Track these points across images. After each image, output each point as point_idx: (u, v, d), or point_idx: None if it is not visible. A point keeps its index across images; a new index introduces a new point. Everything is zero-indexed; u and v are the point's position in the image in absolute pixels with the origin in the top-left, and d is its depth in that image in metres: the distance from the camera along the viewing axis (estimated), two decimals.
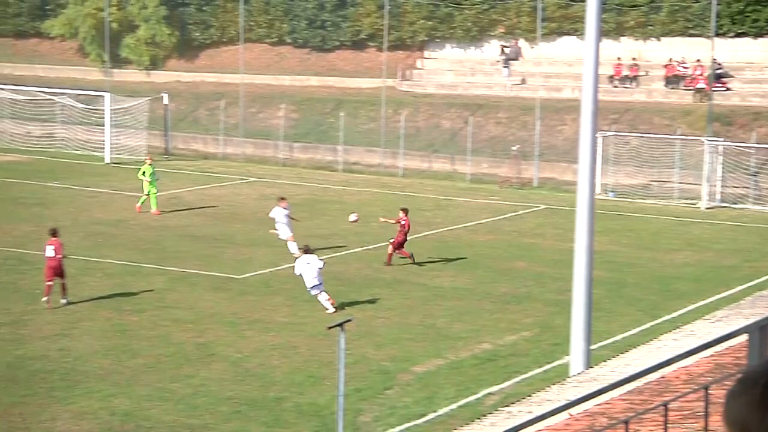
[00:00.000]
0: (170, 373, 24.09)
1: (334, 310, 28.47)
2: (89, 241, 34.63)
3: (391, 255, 34.15)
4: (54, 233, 29.41)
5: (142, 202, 41.46)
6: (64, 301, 28.97)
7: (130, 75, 64.80)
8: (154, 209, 41.10)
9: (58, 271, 28.90)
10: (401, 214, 34.53)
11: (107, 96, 54.94)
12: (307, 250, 29.54)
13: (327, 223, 41.27)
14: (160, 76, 64.31)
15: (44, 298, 28.69)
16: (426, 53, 61.52)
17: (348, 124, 55.28)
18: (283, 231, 35.29)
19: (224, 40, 64.64)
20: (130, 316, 28.32)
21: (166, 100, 57.61)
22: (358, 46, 62.43)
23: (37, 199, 43.92)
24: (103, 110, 54.76)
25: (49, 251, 28.98)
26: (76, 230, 37.97)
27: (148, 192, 41.30)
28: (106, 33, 62.75)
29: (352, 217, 35.74)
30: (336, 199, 46.61)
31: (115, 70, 64.47)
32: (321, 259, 29.31)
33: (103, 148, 54.63)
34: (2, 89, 59.00)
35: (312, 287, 28.77)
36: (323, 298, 28.86)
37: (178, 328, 27.40)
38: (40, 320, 27.61)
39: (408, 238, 34.23)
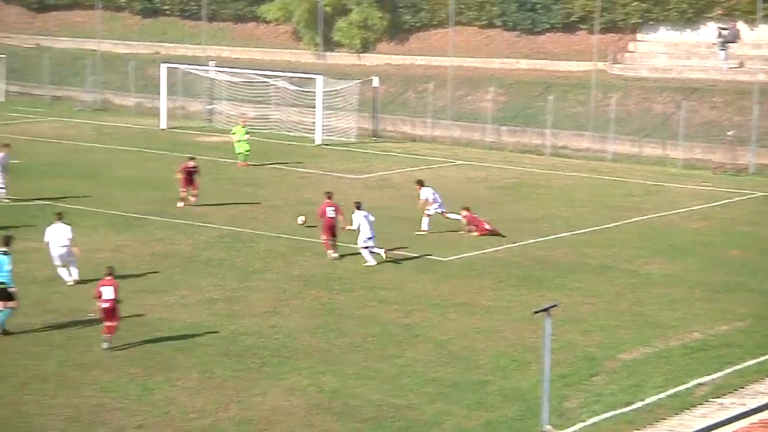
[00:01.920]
0: (376, 353, 24.45)
1: (375, 262, 31.40)
2: None
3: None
4: (330, 196, 32.69)
5: (242, 159, 47.70)
6: (335, 255, 31.92)
7: (342, 58, 65.85)
8: (241, 162, 47.81)
9: (333, 231, 31.95)
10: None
11: (319, 79, 55.96)
12: (359, 207, 31.91)
13: (533, 207, 41.04)
14: (370, 59, 65.11)
15: (332, 253, 32.01)
16: (639, 36, 60.27)
17: (557, 108, 54.74)
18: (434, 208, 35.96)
19: (434, 23, 64.89)
20: (338, 295, 28.85)
21: (375, 83, 58.28)
22: (568, 28, 61.68)
23: (251, 179, 45.19)
24: (315, 93, 55.83)
25: (330, 212, 32.04)
26: (287, 210, 38.91)
27: (241, 149, 47.75)
28: (320, 17, 63.89)
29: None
30: (543, 183, 46.27)
31: (327, 53, 65.65)
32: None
33: (314, 129, 55.72)
34: (220, 72, 60.85)
35: (368, 239, 31.47)
36: (376, 251, 31.52)
37: (385, 308, 27.76)
38: (253, 297, 28.43)
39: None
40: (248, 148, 48.03)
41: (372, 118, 58.16)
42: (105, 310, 24.25)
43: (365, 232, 31.70)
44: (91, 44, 70.69)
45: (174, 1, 72.20)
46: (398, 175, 46.82)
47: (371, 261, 31.70)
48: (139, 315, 26.43)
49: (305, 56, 66.87)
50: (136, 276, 29.85)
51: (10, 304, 25.07)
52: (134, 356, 23.88)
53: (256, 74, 60.11)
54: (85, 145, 52.54)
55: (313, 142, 55.15)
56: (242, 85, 60.13)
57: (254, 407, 21.34)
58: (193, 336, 25.23)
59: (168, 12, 72.70)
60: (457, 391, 22.30)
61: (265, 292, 28.96)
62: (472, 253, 33.49)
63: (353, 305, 27.97)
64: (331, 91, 56.73)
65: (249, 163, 47.73)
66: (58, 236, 29.13)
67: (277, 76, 59.64)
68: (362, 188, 43.69)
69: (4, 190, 39.32)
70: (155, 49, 70.41)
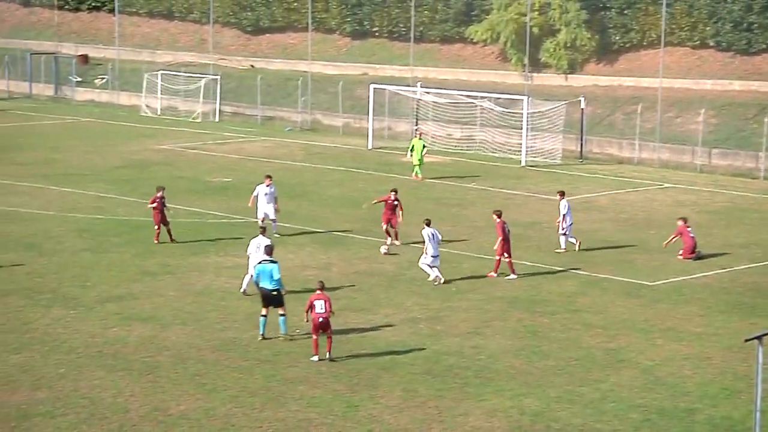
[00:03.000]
0: (579, 377, 24.18)
1: (441, 281, 31.42)
2: None
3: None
4: (500, 214, 33.16)
5: (415, 173, 49.54)
6: (512, 276, 32.22)
7: (549, 79, 65.50)
8: (419, 175, 49.54)
9: (508, 250, 32.51)
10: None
11: (525, 99, 55.80)
12: (428, 224, 32.01)
13: (745, 232, 39.84)
14: (577, 80, 64.54)
15: (493, 274, 32.49)
16: None
17: None
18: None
19: (644, 43, 63.86)
20: (541, 317, 28.67)
21: (583, 104, 57.76)
22: None
23: (456, 199, 45.39)
24: (521, 113, 55.70)
25: (502, 231, 32.63)
26: (490, 230, 38.85)
27: (419, 162, 49.52)
28: (527, 38, 63.74)
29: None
30: (755, 207, 44.89)
31: (534, 74, 65.41)
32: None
33: (520, 150, 55.57)
34: (427, 92, 61.41)
35: (435, 257, 31.57)
36: (436, 272, 31.52)
37: (588, 332, 27.43)
38: (455, 317, 28.53)
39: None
40: (418, 162, 49.55)
41: (578, 140, 57.60)
42: (318, 324, 24.84)
43: (431, 249, 31.70)
44: (302, 65, 72.47)
45: (383, 23, 73.32)
46: (604, 198, 46.20)
47: (433, 275, 31.76)
48: (344, 332, 26.87)
49: (512, 77, 66.79)
50: (342, 294, 30.36)
51: (281, 310, 26.35)
52: (339, 373, 24.29)
53: (462, 95, 60.39)
54: (295, 164, 53.82)
55: (519, 163, 55.00)
56: (448, 105, 60.50)
57: (456, 428, 21.40)
58: (397, 354, 25.49)
59: (377, 33, 73.86)
60: (664, 419, 21.84)
61: (467, 312, 29.03)
62: (680, 278, 32.76)
63: (556, 328, 27.74)
64: (537, 112, 56.50)
65: (421, 177, 49.29)
66: (259, 249, 29.96)
67: (482, 97, 59.77)
68: None
69: (275, 220, 37.12)
70: (363, 70, 71.60)
